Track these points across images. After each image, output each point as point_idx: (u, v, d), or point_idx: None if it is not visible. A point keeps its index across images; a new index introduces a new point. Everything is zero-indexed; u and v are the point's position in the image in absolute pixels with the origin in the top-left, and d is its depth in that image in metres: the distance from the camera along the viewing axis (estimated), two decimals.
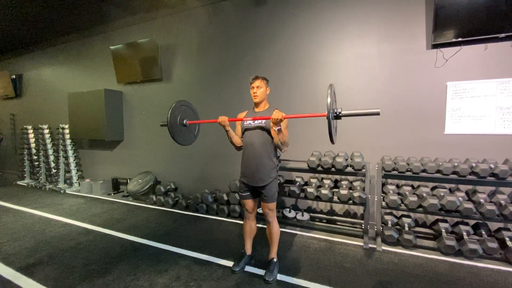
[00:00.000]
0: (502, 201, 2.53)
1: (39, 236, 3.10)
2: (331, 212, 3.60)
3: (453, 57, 2.97)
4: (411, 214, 3.01)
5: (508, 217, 2.44)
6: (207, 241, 2.97)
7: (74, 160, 5.72)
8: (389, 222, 2.90)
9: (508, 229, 2.60)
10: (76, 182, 5.65)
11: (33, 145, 6.24)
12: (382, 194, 3.01)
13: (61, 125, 5.75)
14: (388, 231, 2.77)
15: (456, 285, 2.11)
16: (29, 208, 4.24)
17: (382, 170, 2.94)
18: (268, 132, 2.14)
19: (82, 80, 5.93)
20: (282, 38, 3.83)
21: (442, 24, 2.87)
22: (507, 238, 2.50)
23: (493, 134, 2.87)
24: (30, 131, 6.31)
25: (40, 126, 6.06)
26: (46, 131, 5.99)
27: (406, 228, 2.82)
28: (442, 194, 2.71)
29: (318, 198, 3.13)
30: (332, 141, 1.79)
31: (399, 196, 2.86)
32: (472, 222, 2.78)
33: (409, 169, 2.87)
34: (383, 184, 3.11)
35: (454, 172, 2.70)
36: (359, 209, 3.46)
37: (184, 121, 2.44)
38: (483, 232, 2.65)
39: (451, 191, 2.89)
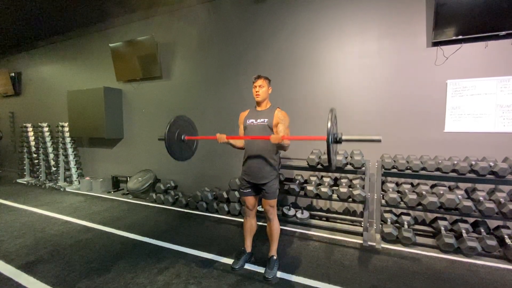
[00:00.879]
0: (501, 199, 2.54)
1: (39, 234, 3.10)
2: (331, 210, 3.61)
3: (454, 55, 2.96)
4: (411, 212, 3.02)
5: (507, 215, 2.45)
6: (207, 238, 2.97)
7: (74, 158, 5.72)
8: (389, 220, 2.90)
9: (507, 227, 2.61)
10: (76, 180, 5.65)
11: (32, 143, 6.24)
12: (382, 192, 3.01)
13: (60, 123, 5.74)
14: (388, 229, 2.77)
15: (455, 283, 2.12)
16: (29, 206, 4.24)
17: (381, 168, 2.95)
18: (271, 130, 2.16)
19: (82, 78, 5.91)
20: (281, 35, 3.82)
21: (443, 21, 2.86)
22: (506, 236, 2.51)
23: (493, 132, 2.87)
24: (30, 129, 6.30)
25: (39, 124, 6.06)
26: (46, 129, 5.98)
27: (406, 226, 2.82)
28: (441, 192, 2.72)
29: (318, 196, 3.13)
30: (330, 165, 1.78)
31: (399, 194, 2.87)
32: (471, 220, 2.78)
33: (408, 167, 2.87)
34: (383, 182, 3.12)
35: (454, 170, 2.70)
36: (358, 207, 3.47)
37: (182, 137, 2.42)
38: (482, 230, 2.66)
39: (450, 189, 2.90)
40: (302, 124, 3.70)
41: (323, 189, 3.05)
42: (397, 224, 2.92)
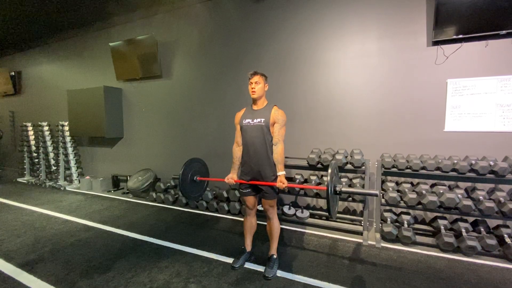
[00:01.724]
0: (501, 198, 2.54)
1: (39, 233, 3.11)
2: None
3: (454, 54, 2.96)
4: (411, 211, 3.02)
5: (507, 214, 2.45)
6: (207, 237, 2.98)
7: (74, 157, 5.72)
8: (389, 219, 2.91)
9: (507, 226, 2.61)
10: (76, 179, 5.65)
11: (32, 142, 6.24)
12: (382, 191, 3.01)
13: (60, 122, 5.74)
14: (387, 228, 2.78)
15: (454, 282, 2.12)
16: (30, 205, 4.25)
17: (381, 167, 2.95)
18: (268, 130, 2.14)
19: (81, 77, 5.91)
20: (281, 34, 3.81)
21: (443, 20, 2.85)
22: (505, 235, 2.51)
23: (493, 131, 2.87)
24: (30, 128, 6.30)
25: (39, 123, 6.06)
26: (46, 128, 5.98)
27: (405, 225, 2.83)
28: (441, 191, 2.72)
29: (317, 195, 3.13)
30: (330, 215, 1.80)
31: (399, 193, 2.87)
32: (471, 219, 2.78)
33: (408, 167, 2.87)
34: (383, 181, 3.12)
35: (454, 170, 2.70)
36: (358, 206, 3.48)
37: (195, 178, 2.58)
38: (482, 229, 2.66)
39: (450, 188, 2.90)
40: (301, 124, 3.70)
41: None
42: (397, 223, 2.93)
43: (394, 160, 2.94)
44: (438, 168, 2.75)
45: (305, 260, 2.46)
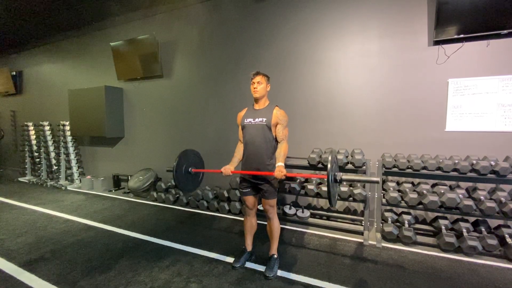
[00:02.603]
0: (502, 198, 2.53)
1: (41, 232, 3.12)
2: (332, 209, 3.61)
3: (455, 54, 2.95)
4: (411, 211, 3.01)
5: (508, 214, 2.44)
6: (208, 237, 2.98)
7: (75, 157, 5.73)
8: (389, 219, 2.90)
9: (508, 226, 2.61)
10: (77, 179, 5.67)
11: (34, 142, 6.26)
12: (382, 191, 3.01)
13: (61, 122, 5.76)
14: (388, 228, 2.77)
15: (455, 282, 2.12)
16: (31, 204, 4.26)
17: (382, 167, 2.94)
18: (269, 130, 2.14)
19: (83, 76, 5.92)
20: (282, 34, 3.81)
21: (444, 20, 2.84)
22: (506, 235, 2.50)
23: (494, 131, 2.86)
24: (31, 127, 6.32)
25: (40, 123, 6.07)
26: (47, 127, 5.99)
27: (406, 225, 2.82)
28: (442, 191, 2.71)
29: (318, 195, 3.13)
30: (331, 204, 1.80)
31: (399, 193, 2.87)
32: (472, 219, 2.78)
33: (409, 166, 2.87)
34: (384, 181, 3.12)
35: (455, 169, 2.69)
36: (359, 206, 3.47)
37: (190, 169, 2.52)
38: (483, 229, 2.65)
39: (451, 188, 2.90)
40: (302, 124, 3.70)
41: (324, 188, 3.05)
42: (398, 223, 2.92)
43: (395, 160, 2.94)
44: (439, 168, 2.75)
45: (306, 260, 2.46)
